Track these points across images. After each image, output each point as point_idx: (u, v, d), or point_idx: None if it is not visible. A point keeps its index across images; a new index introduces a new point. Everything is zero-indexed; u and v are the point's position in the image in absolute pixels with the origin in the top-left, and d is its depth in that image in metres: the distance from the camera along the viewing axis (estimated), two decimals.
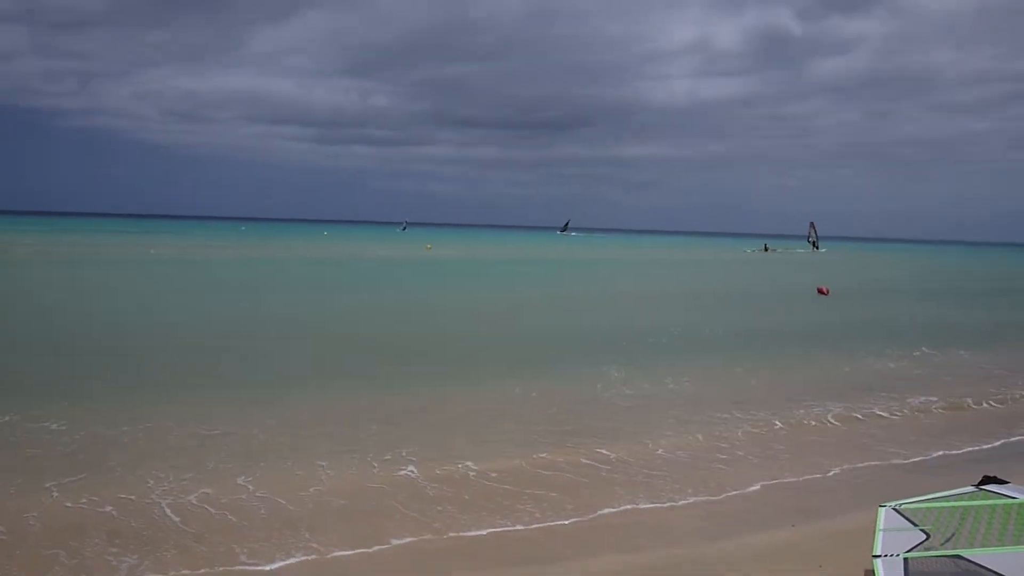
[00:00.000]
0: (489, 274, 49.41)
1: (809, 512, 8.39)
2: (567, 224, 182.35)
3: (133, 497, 8.32)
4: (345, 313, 26.41)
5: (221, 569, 6.83)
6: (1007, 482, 5.91)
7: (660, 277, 52.14)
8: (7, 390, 12.86)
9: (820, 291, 37.39)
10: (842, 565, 6.58)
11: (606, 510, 8.44)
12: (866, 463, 10.43)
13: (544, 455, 10.31)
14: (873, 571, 4.81)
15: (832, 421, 12.62)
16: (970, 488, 5.86)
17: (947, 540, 5.02)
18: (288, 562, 7.03)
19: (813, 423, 12.47)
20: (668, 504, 8.70)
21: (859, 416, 12.99)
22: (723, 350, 19.96)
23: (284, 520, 7.94)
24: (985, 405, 14.20)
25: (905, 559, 4.71)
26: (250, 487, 8.79)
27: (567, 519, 8.16)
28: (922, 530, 5.12)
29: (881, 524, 5.23)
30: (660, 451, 10.69)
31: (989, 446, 11.44)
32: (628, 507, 8.55)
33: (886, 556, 4.80)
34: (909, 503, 5.65)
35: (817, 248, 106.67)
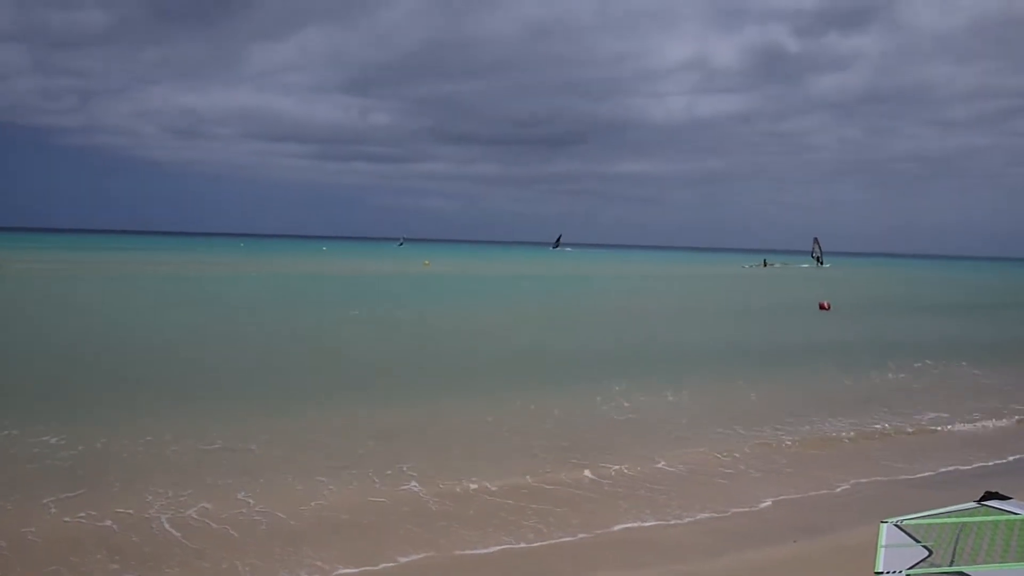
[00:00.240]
0: (487, 290, 49.43)
1: (812, 528, 8.37)
2: (559, 239, 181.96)
3: (132, 512, 8.29)
4: (343, 329, 26.39)
5: None
6: (1010, 498, 5.89)
7: (659, 293, 52.15)
8: (6, 405, 12.84)
9: (822, 306, 37.42)
10: None
11: (611, 527, 8.42)
12: (869, 478, 10.41)
13: (547, 471, 10.29)
14: None
15: (835, 436, 12.62)
16: (972, 504, 5.84)
17: (950, 557, 5.01)
18: None
19: (816, 438, 12.45)
20: (672, 520, 8.67)
21: (862, 431, 12.98)
22: (725, 365, 19.95)
23: (286, 536, 7.90)
24: (987, 420, 14.18)
25: None
26: (250, 502, 8.75)
27: (572, 536, 8.13)
28: (924, 546, 5.10)
29: (883, 540, 5.21)
30: (663, 467, 10.67)
31: (992, 463, 11.42)
32: (633, 524, 8.53)
33: (888, 573, 4.79)
34: (911, 519, 5.64)
35: (821, 263, 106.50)
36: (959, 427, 13.63)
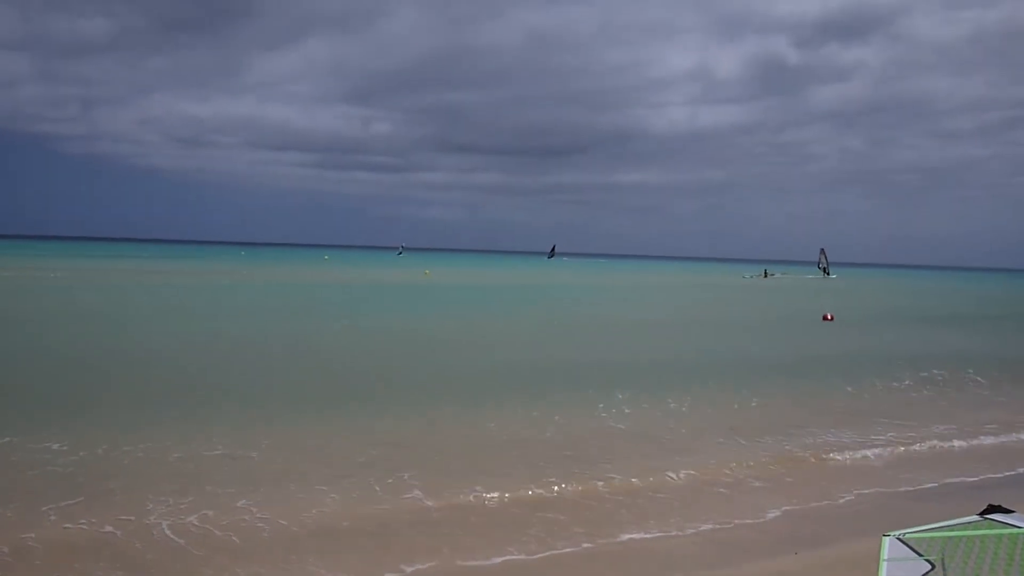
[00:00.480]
0: (488, 299, 49.41)
1: (813, 540, 8.35)
2: (553, 249, 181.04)
3: (134, 519, 8.31)
4: (345, 338, 26.37)
5: None
6: (1012, 511, 5.86)
7: (661, 303, 52.09)
8: (10, 411, 12.89)
9: (825, 318, 37.37)
10: None
11: (614, 537, 8.41)
12: (871, 490, 10.39)
13: (550, 480, 10.28)
14: None
15: (837, 447, 12.58)
16: (975, 517, 5.81)
17: (953, 571, 4.98)
18: None
19: (819, 450, 12.41)
20: (675, 532, 8.65)
21: (864, 443, 12.95)
22: (727, 377, 19.91)
23: (289, 544, 7.90)
24: (991, 433, 14.12)
25: None
26: (252, 510, 8.74)
27: (575, 546, 8.12)
28: (927, 560, 5.07)
29: (885, 554, 5.18)
30: (666, 478, 10.65)
31: (994, 476, 11.38)
32: (636, 535, 8.51)
33: None
34: (913, 532, 5.61)
35: (828, 274, 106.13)
36: (962, 439, 13.58)
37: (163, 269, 71.05)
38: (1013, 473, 11.57)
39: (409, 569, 7.40)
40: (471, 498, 9.48)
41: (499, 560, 7.72)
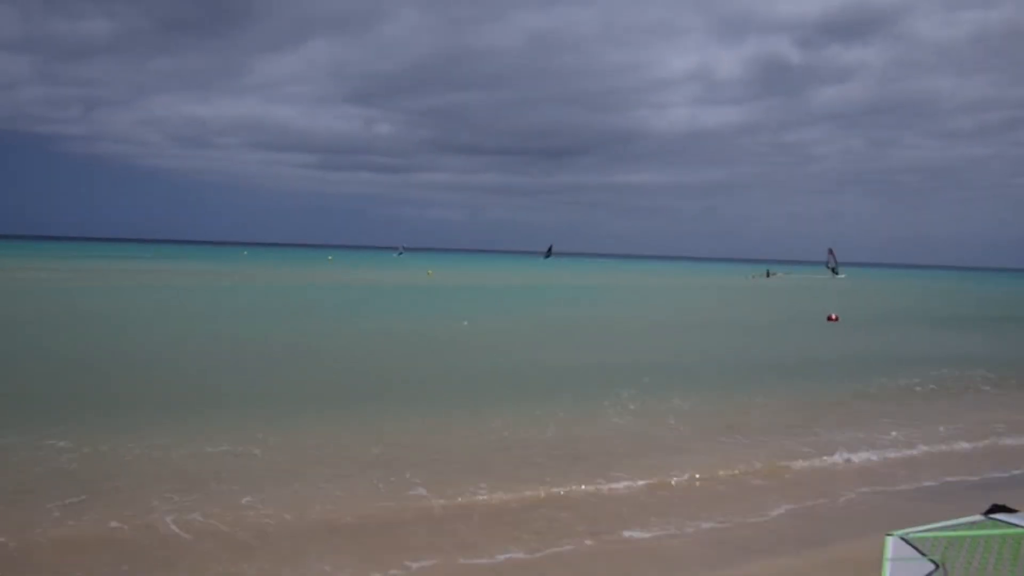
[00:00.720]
0: (490, 300, 49.41)
1: (816, 540, 8.33)
2: (550, 249, 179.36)
3: (138, 515, 8.36)
4: (349, 338, 26.42)
5: None
6: (1016, 511, 5.84)
7: (663, 304, 52.06)
8: (15, 411, 12.97)
9: (830, 318, 37.32)
10: None
11: (616, 536, 8.41)
12: (874, 490, 10.38)
13: (553, 478, 10.29)
14: None
15: (840, 447, 12.54)
16: (979, 517, 5.79)
17: (956, 571, 4.96)
18: None
19: (822, 449, 12.39)
20: (677, 531, 8.65)
21: (868, 442, 12.92)
22: (731, 377, 19.90)
23: (294, 540, 7.94)
24: (995, 433, 14.07)
25: None
26: (257, 507, 8.79)
27: (577, 545, 8.12)
28: (931, 560, 5.05)
29: (889, 554, 5.15)
30: (668, 477, 10.65)
31: (997, 475, 11.35)
32: (637, 534, 8.51)
33: None
34: (917, 532, 5.59)
35: (837, 274, 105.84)
36: (966, 439, 13.54)
37: (166, 269, 71.14)
38: (1018, 473, 11.54)
39: (413, 565, 7.43)
40: (474, 496, 9.50)
41: (502, 558, 7.73)
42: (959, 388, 19.03)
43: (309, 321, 30.77)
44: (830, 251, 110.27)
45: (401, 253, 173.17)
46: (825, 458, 12.01)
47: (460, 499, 9.36)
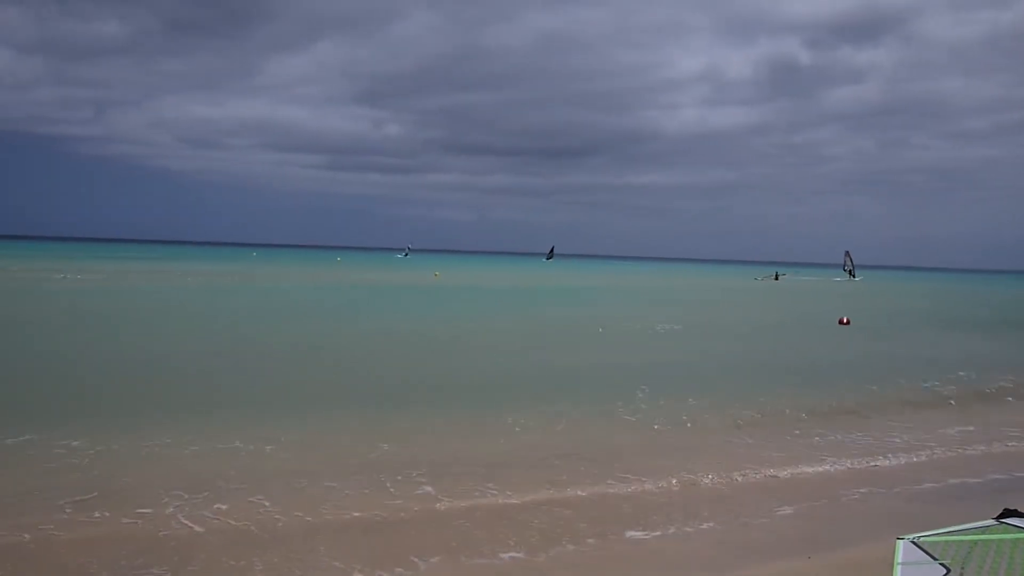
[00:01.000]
0: (497, 301, 49.42)
1: (826, 543, 8.29)
2: (552, 250, 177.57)
3: (150, 511, 8.49)
4: (358, 339, 26.52)
5: None
6: None
7: (672, 306, 51.87)
8: (29, 410, 13.13)
9: (841, 322, 37.16)
10: None
11: (622, 537, 8.40)
12: (885, 493, 10.31)
13: (559, 478, 10.31)
14: None
15: (851, 449, 12.50)
16: (991, 521, 5.73)
17: (968, 575, 4.90)
18: None
19: (832, 451, 12.34)
20: (684, 533, 8.63)
21: (879, 445, 12.87)
22: (740, 379, 19.83)
23: (303, 536, 8.01)
24: (1008, 436, 13.94)
25: None
26: (266, 504, 8.87)
27: (582, 546, 8.11)
28: (942, 564, 5.00)
29: (899, 558, 5.11)
30: (675, 478, 10.62)
31: (1011, 479, 11.25)
32: (644, 535, 8.49)
33: None
34: (928, 536, 5.54)
35: (854, 276, 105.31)
36: (978, 443, 13.43)
37: (177, 270, 71.47)
38: None
39: (421, 564, 7.48)
40: (481, 496, 9.53)
41: (507, 556, 7.76)
42: (972, 392, 18.87)
43: (320, 321, 30.92)
44: (847, 254, 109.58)
45: (407, 254, 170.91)
46: (833, 460, 11.94)
47: (467, 499, 9.39)
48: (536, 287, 65.01)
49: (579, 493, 9.81)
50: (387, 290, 53.83)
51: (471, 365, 20.87)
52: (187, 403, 14.38)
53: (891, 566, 5.22)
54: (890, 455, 12.42)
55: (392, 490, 9.61)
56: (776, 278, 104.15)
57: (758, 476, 10.95)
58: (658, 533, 8.55)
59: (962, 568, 4.97)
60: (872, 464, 11.85)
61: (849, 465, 11.76)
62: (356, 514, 8.74)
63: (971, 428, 14.51)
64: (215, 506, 8.68)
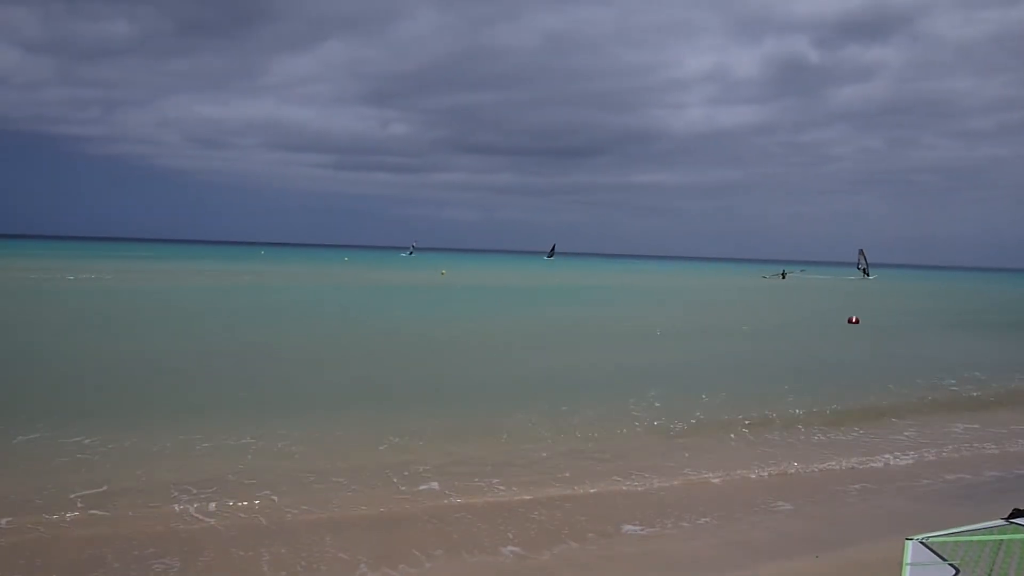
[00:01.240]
0: (503, 300, 49.38)
1: (834, 543, 8.27)
2: (553, 249, 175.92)
3: (161, 504, 8.63)
4: (365, 338, 26.61)
5: None
6: None
7: (679, 305, 51.74)
8: (41, 407, 13.26)
9: (850, 321, 37.02)
10: None
11: (626, 536, 8.41)
12: (894, 493, 10.27)
13: (564, 476, 10.33)
14: None
15: (859, 449, 12.46)
16: (1000, 521, 5.73)
17: (977, 575, 4.90)
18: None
19: (840, 452, 12.30)
20: (690, 532, 8.63)
21: (887, 445, 12.81)
22: (748, 379, 19.78)
23: (310, 529, 8.10)
24: (1016, 436, 13.84)
25: None
26: (274, 498, 8.95)
27: (587, 543, 8.13)
28: (951, 565, 5.00)
29: (908, 558, 5.11)
30: (682, 478, 10.62)
31: (1019, 480, 11.19)
32: (649, 534, 8.50)
33: None
34: (936, 536, 5.53)
35: (868, 275, 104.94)
36: (987, 443, 13.35)
37: (184, 269, 71.73)
38: None
39: (422, 556, 7.54)
40: (486, 493, 9.57)
41: (509, 552, 7.80)
42: (982, 392, 18.76)
43: (328, 321, 31.06)
44: (861, 252, 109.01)
45: (412, 252, 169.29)
46: (844, 460, 11.92)
47: (471, 495, 9.43)
48: (542, 287, 64.95)
49: (583, 491, 9.83)
50: (396, 290, 53.90)
51: (478, 364, 20.90)
52: (196, 401, 14.48)
53: (900, 566, 5.21)
54: (898, 454, 12.38)
55: (398, 486, 9.67)
56: (783, 276, 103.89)
57: (764, 475, 10.93)
58: (662, 532, 8.56)
59: (971, 568, 4.97)
60: (880, 463, 11.81)
61: (856, 464, 11.73)
62: (362, 509, 8.81)
63: (980, 428, 14.42)
64: (224, 500, 8.78)
